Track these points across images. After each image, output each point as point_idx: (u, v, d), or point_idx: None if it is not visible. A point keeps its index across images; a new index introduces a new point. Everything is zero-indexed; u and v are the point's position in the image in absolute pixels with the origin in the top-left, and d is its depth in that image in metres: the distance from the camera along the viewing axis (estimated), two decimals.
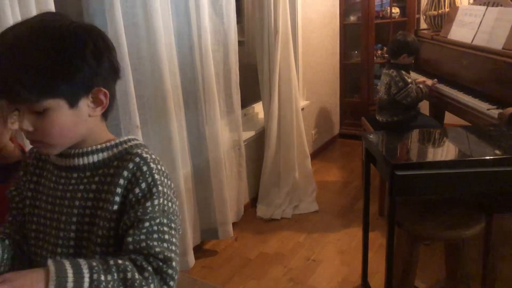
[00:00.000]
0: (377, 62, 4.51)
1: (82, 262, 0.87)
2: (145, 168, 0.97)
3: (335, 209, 3.33)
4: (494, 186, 1.88)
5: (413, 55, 3.29)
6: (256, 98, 3.53)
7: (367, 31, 4.37)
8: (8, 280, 0.83)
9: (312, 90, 4.17)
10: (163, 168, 1.01)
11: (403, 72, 3.17)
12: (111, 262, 0.89)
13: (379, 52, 4.55)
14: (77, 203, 1.00)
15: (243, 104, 3.09)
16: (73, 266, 0.86)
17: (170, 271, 0.92)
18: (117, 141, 1.03)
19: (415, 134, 2.41)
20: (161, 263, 0.92)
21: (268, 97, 3.21)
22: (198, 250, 2.79)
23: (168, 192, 1.00)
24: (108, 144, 1.02)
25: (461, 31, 3.26)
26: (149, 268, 0.90)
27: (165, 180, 1.00)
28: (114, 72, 1.00)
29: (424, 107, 3.64)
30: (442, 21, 3.63)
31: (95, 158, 1.01)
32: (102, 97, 0.97)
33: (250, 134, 3.27)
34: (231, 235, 2.89)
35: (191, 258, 2.58)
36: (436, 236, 2.04)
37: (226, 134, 2.95)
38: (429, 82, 3.24)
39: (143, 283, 0.89)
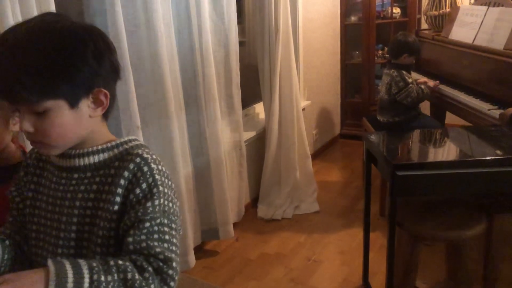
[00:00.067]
0: (378, 62, 4.51)
1: (82, 263, 0.87)
2: (145, 169, 0.97)
3: (336, 209, 3.33)
4: (495, 186, 1.88)
5: (414, 55, 3.29)
6: (257, 98, 3.53)
7: (368, 31, 4.36)
8: (8, 281, 0.83)
9: (313, 90, 4.17)
10: (163, 169, 1.01)
11: (404, 72, 3.17)
12: (111, 262, 0.89)
13: (380, 52, 4.55)
14: (77, 203, 1.00)
15: (243, 104, 3.09)
16: (73, 266, 0.86)
17: (170, 272, 0.92)
18: (118, 141, 1.03)
19: (416, 134, 2.41)
20: (161, 264, 0.92)
21: (269, 97, 3.21)
22: (199, 251, 2.79)
23: (169, 193, 1.00)
24: (108, 144, 1.02)
25: (462, 31, 3.26)
26: (150, 268, 0.90)
27: (166, 180, 1.00)
28: (114, 72, 1.00)
29: (425, 107, 3.64)
30: (443, 21, 3.63)
31: (95, 158, 1.01)
32: (102, 97, 0.97)
33: (251, 134, 3.27)
34: (232, 236, 2.89)
35: (191, 259, 2.58)
36: (437, 237, 2.04)
37: (227, 134, 2.95)
38: (431, 83, 3.24)
39: (143, 284, 0.89)
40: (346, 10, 4.49)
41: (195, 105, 2.60)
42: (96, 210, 0.99)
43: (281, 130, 3.31)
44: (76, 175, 1.02)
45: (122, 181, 0.97)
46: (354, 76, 4.63)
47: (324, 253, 2.80)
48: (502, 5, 2.99)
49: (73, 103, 0.94)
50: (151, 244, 0.93)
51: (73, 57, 0.90)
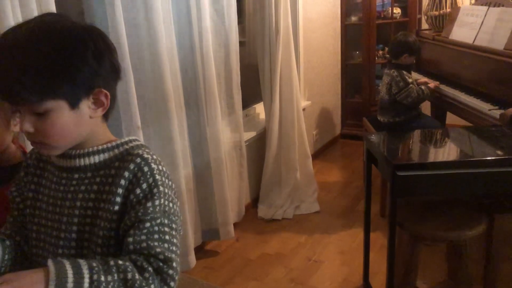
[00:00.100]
0: (379, 63, 4.51)
1: (82, 263, 0.87)
2: (146, 169, 0.97)
3: (336, 209, 3.33)
4: (496, 187, 1.88)
5: (414, 55, 3.29)
6: (257, 98, 3.53)
7: (368, 31, 4.36)
8: (8, 281, 0.83)
9: (314, 90, 4.17)
10: (164, 169, 1.01)
11: (404, 72, 3.17)
12: (112, 262, 0.89)
13: (381, 52, 4.55)
14: (78, 204, 1.00)
15: (244, 105, 3.09)
16: (73, 266, 0.86)
17: (170, 272, 0.92)
18: (118, 141, 1.03)
19: (416, 134, 2.40)
20: (161, 264, 0.92)
21: (269, 97, 3.21)
22: (199, 251, 2.79)
23: (169, 193, 1.00)
24: (109, 145, 1.02)
25: (462, 32, 3.26)
26: (150, 268, 0.90)
27: (166, 180, 1.00)
28: (115, 73, 1.00)
29: (426, 107, 3.64)
30: (443, 22, 3.63)
31: (96, 159, 1.01)
32: (103, 98, 0.97)
33: (251, 134, 3.27)
34: (232, 236, 2.89)
35: (192, 259, 2.58)
36: (438, 237, 2.04)
37: (227, 135, 2.95)
38: (431, 84, 3.23)
39: (144, 284, 0.89)
40: (346, 10, 4.49)
41: (196, 105, 2.60)
42: (97, 210, 0.99)
43: (282, 130, 3.31)
44: (76, 176, 1.02)
45: (122, 181, 0.97)
46: (355, 76, 4.63)
47: (325, 253, 2.79)
48: (503, 5, 2.99)
49: (74, 104, 0.94)
50: (151, 244, 0.93)
51: (73, 57, 0.90)
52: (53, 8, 1.72)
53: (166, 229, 0.96)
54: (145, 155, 0.99)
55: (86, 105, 0.96)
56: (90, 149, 1.01)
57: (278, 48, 3.10)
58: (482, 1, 3.25)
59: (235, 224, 2.96)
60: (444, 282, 2.36)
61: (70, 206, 1.01)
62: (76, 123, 0.96)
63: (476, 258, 2.30)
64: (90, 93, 0.95)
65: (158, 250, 0.92)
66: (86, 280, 0.85)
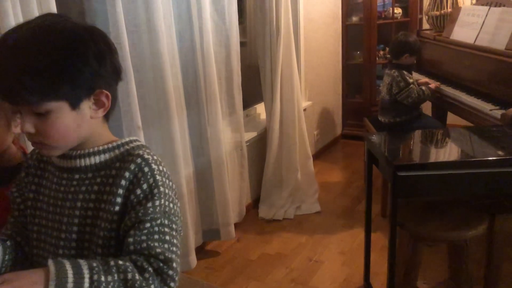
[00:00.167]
0: (380, 63, 4.50)
1: (83, 263, 0.87)
2: (146, 169, 0.97)
3: (337, 210, 3.32)
4: (497, 187, 1.88)
5: (415, 55, 3.28)
6: (258, 98, 3.53)
7: (369, 31, 4.36)
8: (8, 281, 0.83)
9: (314, 90, 4.17)
10: (164, 169, 1.01)
11: (405, 72, 3.16)
12: (112, 262, 0.89)
13: (381, 52, 4.55)
14: (78, 204, 1.00)
15: (245, 105, 3.09)
16: (73, 266, 0.86)
17: (170, 272, 0.92)
18: (119, 142, 1.03)
19: (417, 135, 2.40)
20: (161, 264, 0.92)
21: (270, 97, 3.21)
22: (200, 251, 2.79)
23: (170, 193, 1.00)
24: (110, 145, 1.02)
25: (463, 32, 3.26)
26: (150, 269, 0.90)
27: (167, 181, 1.00)
28: (116, 73, 1.00)
29: (427, 107, 3.64)
30: (444, 22, 3.63)
31: (96, 159, 1.01)
32: (104, 99, 0.97)
33: (252, 135, 3.27)
34: (233, 236, 2.89)
35: (193, 259, 2.58)
36: (439, 237, 2.04)
37: (228, 135, 2.95)
38: (432, 85, 3.23)
39: (144, 284, 0.89)
40: (347, 10, 4.49)
41: (196, 105, 2.60)
42: (97, 210, 0.99)
43: (282, 131, 3.31)
44: (77, 176, 1.02)
45: (123, 182, 0.97)
46: (355, 76, 4.62)
47: (325, 253, 2.79)
48: (504, 5, 2.98)
49: (74, 104, 0.94)
50: (152, 244, 0.93)
51: (74, 58, 0.90)
52: (53, 8, 1.72)
53: (166, 229, 0.96)
54: (146, 156, 0.99)
55: (87, 106, 0.96)
56: (91, 150, 1.01)
57: (279, 48, 3.10)
58: (483, 1, 3.25)
59: (236, 225, 2.96)
60: (445, 282, 2.35)
61: (70, 206, 1.01)
62: (77, 123, 0.96)
63: (477, 258, 2.30)
64: (91, 93, 0.95)
65: (158, 250, 0.92)
66: (86, 280, 0.85)
